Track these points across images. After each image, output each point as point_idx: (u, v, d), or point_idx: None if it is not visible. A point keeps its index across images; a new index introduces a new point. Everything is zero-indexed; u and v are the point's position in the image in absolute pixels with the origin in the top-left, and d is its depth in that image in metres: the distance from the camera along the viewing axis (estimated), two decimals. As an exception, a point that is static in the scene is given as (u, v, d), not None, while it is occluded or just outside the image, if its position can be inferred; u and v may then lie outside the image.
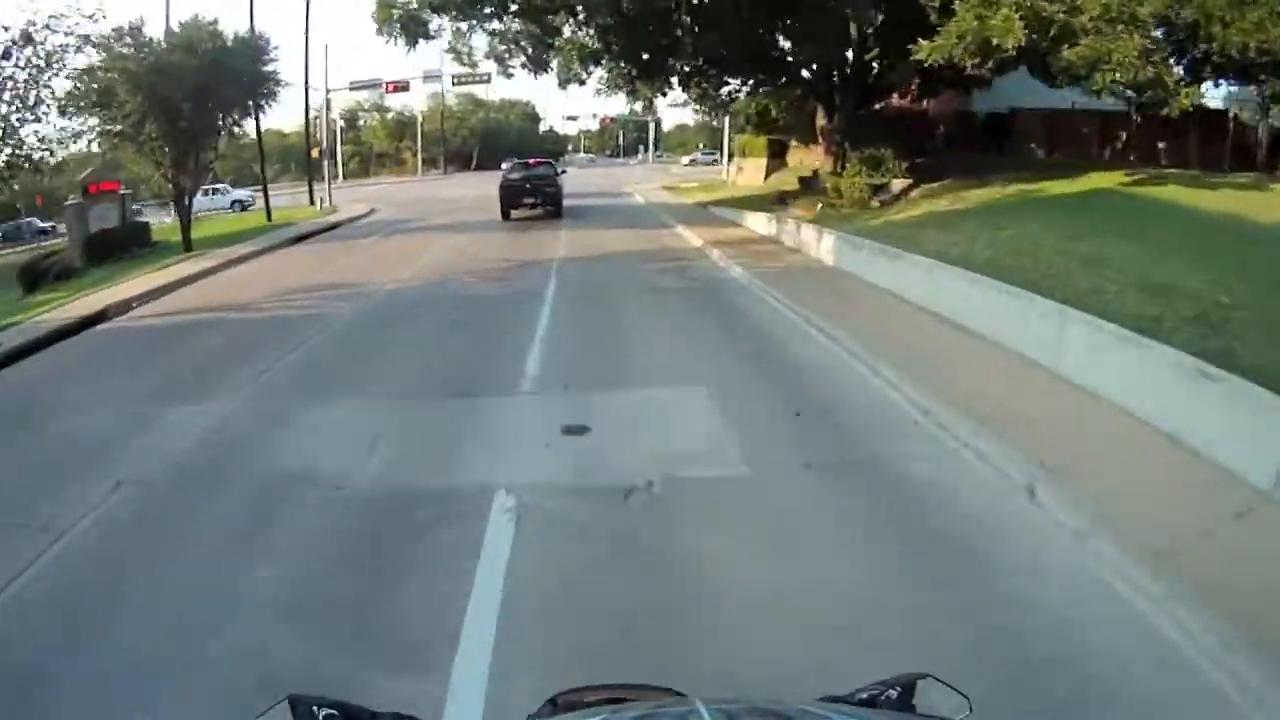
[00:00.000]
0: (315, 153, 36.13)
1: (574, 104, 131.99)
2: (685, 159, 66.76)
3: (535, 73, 22.00)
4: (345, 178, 70.42)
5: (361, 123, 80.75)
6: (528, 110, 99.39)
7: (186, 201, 21.03)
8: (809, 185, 24.34)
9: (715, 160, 67.75)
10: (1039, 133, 25.48)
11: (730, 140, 46.12)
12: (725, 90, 25.61)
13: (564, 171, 28.54)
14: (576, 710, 1.35)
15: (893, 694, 1.33)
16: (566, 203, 28.19)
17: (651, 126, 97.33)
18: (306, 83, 35.20)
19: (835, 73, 20.89)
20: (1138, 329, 6.25)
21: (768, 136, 35.80)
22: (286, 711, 1.25)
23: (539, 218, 24.67)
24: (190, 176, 21.19)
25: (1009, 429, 5.53)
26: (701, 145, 78.51)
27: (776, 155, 35.98)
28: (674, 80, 23.05)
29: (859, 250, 12.20)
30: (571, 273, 13.91)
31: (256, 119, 27.60)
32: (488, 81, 37.40)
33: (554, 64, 20.78)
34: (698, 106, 27.83)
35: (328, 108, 35.85)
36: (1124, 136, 24.38)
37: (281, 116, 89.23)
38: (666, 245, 17.45)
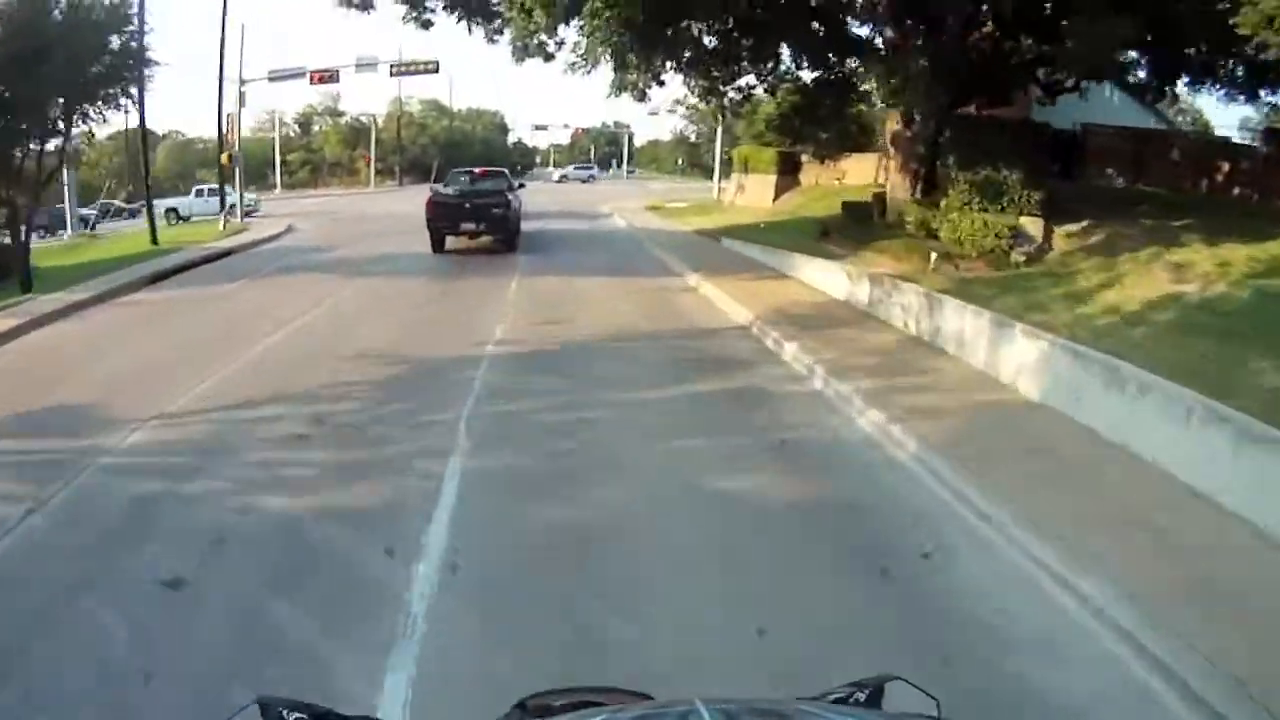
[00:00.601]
0: (225, 158, 28.71)
1: (545, 112, 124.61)
2: (556, 173, 60.43)
3: (476, 24, 15.29)
4: (294, 187, 63.05)
5: (316, 128, 73.08)
6: (495, 120, 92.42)
7: (22, 223, 14.20)
8: (858, 214, 17.66)
9: (592, 176, 61.72)
10: (1121, 156, 19.02)
11: (723, 154, 39.51)
12: (741, 82, 18.81)
13: (520, 186, 22.00)
14: (545, 712, 1.30)
15: (861, 695, 1.28)
16: (528, 225, 21.14)
17: (625, 140, 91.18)
18: (221, 70, 27.88)
19: (932, 47, 14.02)
20: None
21: (778, 150, 29.18)
22: (256, 714, 1.19)
23: (484, 250, 17.71)
24: (21, 186, 14.33)
25: None
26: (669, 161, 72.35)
27: (788, 171, 29.35)
28: (681, 61, 16.17)
29: (1144, 399, 5.34)
30: (510, 404, 6.76)
31: (141, 109, 20.50)
32: (434, 71, 30.38)
33: (508, 18, 13.92)
34: (699, 103, 20.99)
35: (240, 102, 28.44)
36: (1227, 168, 17.80)
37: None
38: (685, 317, 10.65)
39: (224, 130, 29.01)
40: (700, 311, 10.81)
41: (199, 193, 35.22)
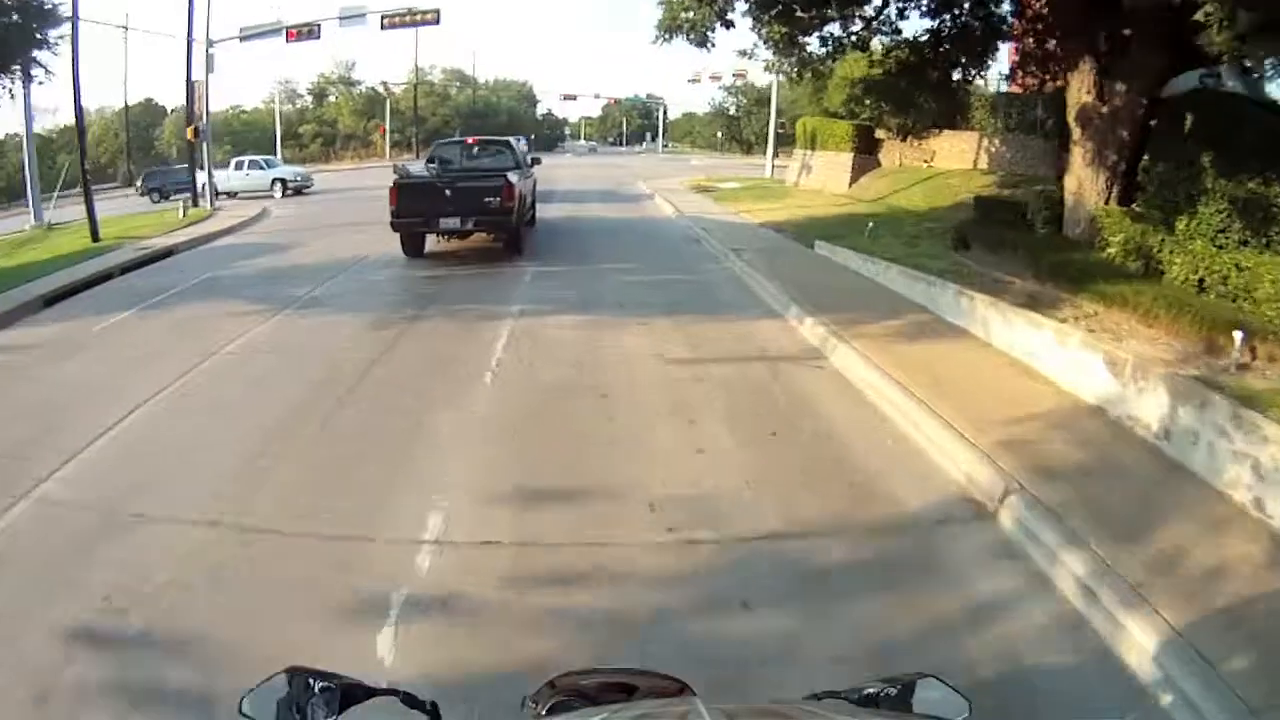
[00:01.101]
0: (191, 132, 24.01)
1: (575, 83, 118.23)
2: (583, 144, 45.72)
3: None
4: (304, 161, 58.53)
5: (332, 98, 68.32)
6: (523, 90, 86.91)
7: None
8: (999, 215, 12.47)
9: (593, 149, 55.00)
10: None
11: (779, 126, 34.08)
12: (827, 31, 13.59)
13: (535, 162, 16.84)
14: (574, 692, 1.30)
15: (892, 691, 1.27)
16: (550, 212, 16.35)
17: (660, 113, 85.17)
18: (190, 30, 23.13)
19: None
20: None
21: (855, 123, 23.85)
22: (284, 683, 1.20)
23: (480, 250, 12.96)
24: None
25: None
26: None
27: (865, 149, 24.01)
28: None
29: None
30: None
31: (76, 81, 16.10)
32: (434, 22, 25.19)
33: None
34: (771, 55, 15.77)
35: (208, 67, 23.61)
36: None
37: (230, 89, 77.12)
38: (846, 469, 5.18)
39: (193, 99, 24.19)
40: (865, 440, 5.38)
41: (240, 165, 29.06)
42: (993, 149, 19.52)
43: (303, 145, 63.39)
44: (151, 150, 70.06)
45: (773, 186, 26.28)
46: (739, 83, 36.52)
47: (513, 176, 12.89)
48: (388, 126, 55.52)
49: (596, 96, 70.06)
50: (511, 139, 17.70)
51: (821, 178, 24.40)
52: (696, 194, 24.30)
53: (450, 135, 64.63)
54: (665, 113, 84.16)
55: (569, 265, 12.79)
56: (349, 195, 25.83)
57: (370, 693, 1.26)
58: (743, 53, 20.72)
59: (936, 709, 1.26)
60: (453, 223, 12.38)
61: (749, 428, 5.55)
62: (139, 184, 32.78)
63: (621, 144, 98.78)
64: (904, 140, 22.89)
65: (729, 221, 17.64)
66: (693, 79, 40.12)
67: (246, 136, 63.91)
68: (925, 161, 22.58)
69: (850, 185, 22.99)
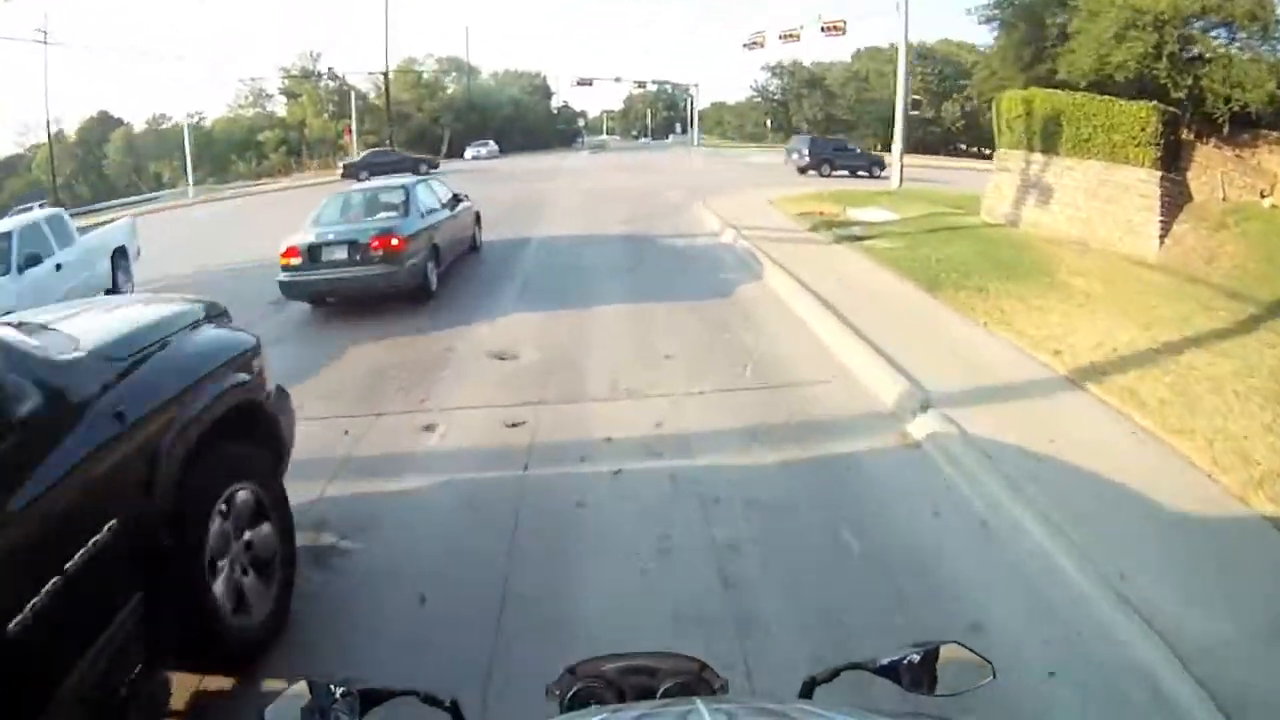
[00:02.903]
0: None
1: (589, 66, 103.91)
2: (793, 155, 28.26)
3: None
4: (258, 177, 46.16)
5: (303, 98, 55.46)
6: (535, 82, 73.34)
7: None
8: None
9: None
10: None
11: (971, 102, 20.49)
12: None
13: (459, 203, 10.16)
14: (595, 678, 1.27)
15: (915, 658, 1.21)
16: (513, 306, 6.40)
17: (688, 102, 71.24)
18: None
19: None
20: None
21: (1154, 105, 10.22)
22: (305, 691, 1.16)
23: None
24: None
25: None
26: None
27: (1173, 164, 10.42)
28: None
29: None
30: None
31: None
32: None
33: None
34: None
35: None
36: None
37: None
38: None
39: None
40: None
41: None
42: None
43: (263, 156, 50.85)
44: (99, 170, 58.17)
45: (975, 229, 12.71)
46: (837, 35, 22.14)
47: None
48: (354, 127, 42.36)
49: (617, 80, 56.31)
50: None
51: (1077, 216, 11.06)
52: (824, 241, 10.83)
53: (439, 133, 52.04)
54: (692, 103, 70.18)
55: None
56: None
57: (390, 694, 1.23)
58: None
59: (959, 675, 1.21)
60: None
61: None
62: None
63: (648, 137, 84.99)
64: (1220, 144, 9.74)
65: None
66: (751, 42, 25.71)
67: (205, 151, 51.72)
68: (1263, 192, 9.20)
69: (1161, 244, 9.56)
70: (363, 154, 35.83)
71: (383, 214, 8.19)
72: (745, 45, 26.18)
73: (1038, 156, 12.45)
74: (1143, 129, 10.50)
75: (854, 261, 9.53)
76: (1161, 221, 10.25)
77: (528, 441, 4.55)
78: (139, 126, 62.03)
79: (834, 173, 25.81)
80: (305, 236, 7.73)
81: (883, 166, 26.83)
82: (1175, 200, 10.41)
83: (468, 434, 4.74)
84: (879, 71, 55.85)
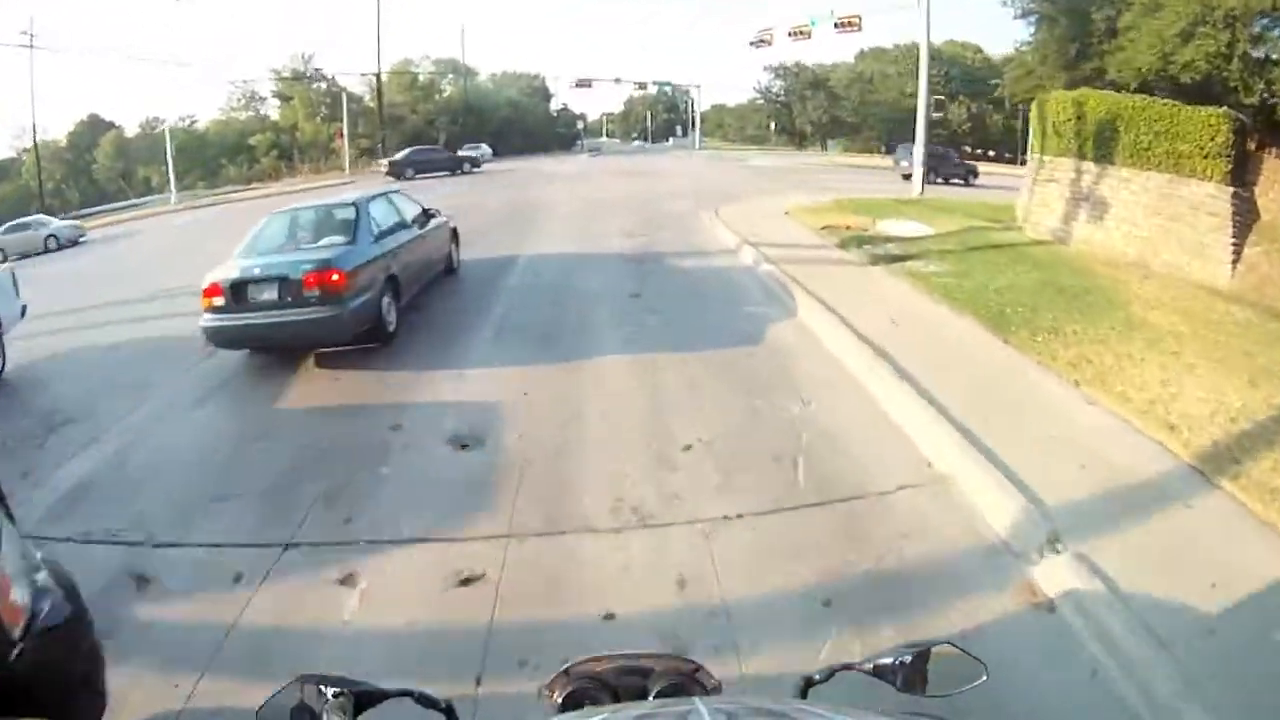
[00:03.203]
0: None
1: (588, 67, 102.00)
2: (902, 163, 26.38)
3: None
4: (249, 182, 44.56)
5: (295, 100, 53.86)
6: (533, 84, 71.74)
7: None
8: None
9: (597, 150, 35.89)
10: None
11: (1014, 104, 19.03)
12: None
13: (430, 219, 8.60)
14: (589, 678, 1.26)
15: (906, 659, 1.21)
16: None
17: (689, 104, 69.65)
18: None
19: None
20: None
21: (1222, 111, 8.80)
22: (298, 691, 1.15)
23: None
24: None
25: None
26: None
27: (1242, 177, 8.84)
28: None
29: None
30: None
31: None
32: None
33: None
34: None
35: None
36: None
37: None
38: None
39: None
40: None
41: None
42: None
43: (254, 160, 49.22)
44: (89, 175, 56.49)
45: (1022, 248, 11.12)
46: (852, 31, 20.55)
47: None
48: (345, 130, 40.71)
49: (617, 81, 54.14)
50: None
51: (1135, 235, 9.58)
52: (888, 276, 9.22)
53: (434, 137, 50.33)
54: (693, 105, 68.35)
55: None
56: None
57: (384, 695, 1.20)
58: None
59: (952, 676, 1.21)
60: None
61: None
62: None
63: (647, 140, 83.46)
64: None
65: None
66: (758, 40, 24.11)
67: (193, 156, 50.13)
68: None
69: (1233, 269, 8.03)
70: (406, 150, 34.55)
71: (327, 240, 6.56)
72: (752, 43, 24.62)
73: (1089, 165, 10.86)
74: (1212, 138, 8.94)
75: (899, 290, 7.96)
76: (1234, 244, 8.71)
77: (486, 618, 2.97)
78: (132, 130, 60.54)
79: (935, 180, 24.35)
80: (229, 271, 6.12)
81: (976, 175, 26.61)
82: (1245, 219, 8.87)
83: (399, 597, 3.16)
84: (883, 73, 54.25)
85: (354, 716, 1.16)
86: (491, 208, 17.04)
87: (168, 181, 43.53)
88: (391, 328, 6.67)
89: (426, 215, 8.34)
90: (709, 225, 13.04)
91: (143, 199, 44.93)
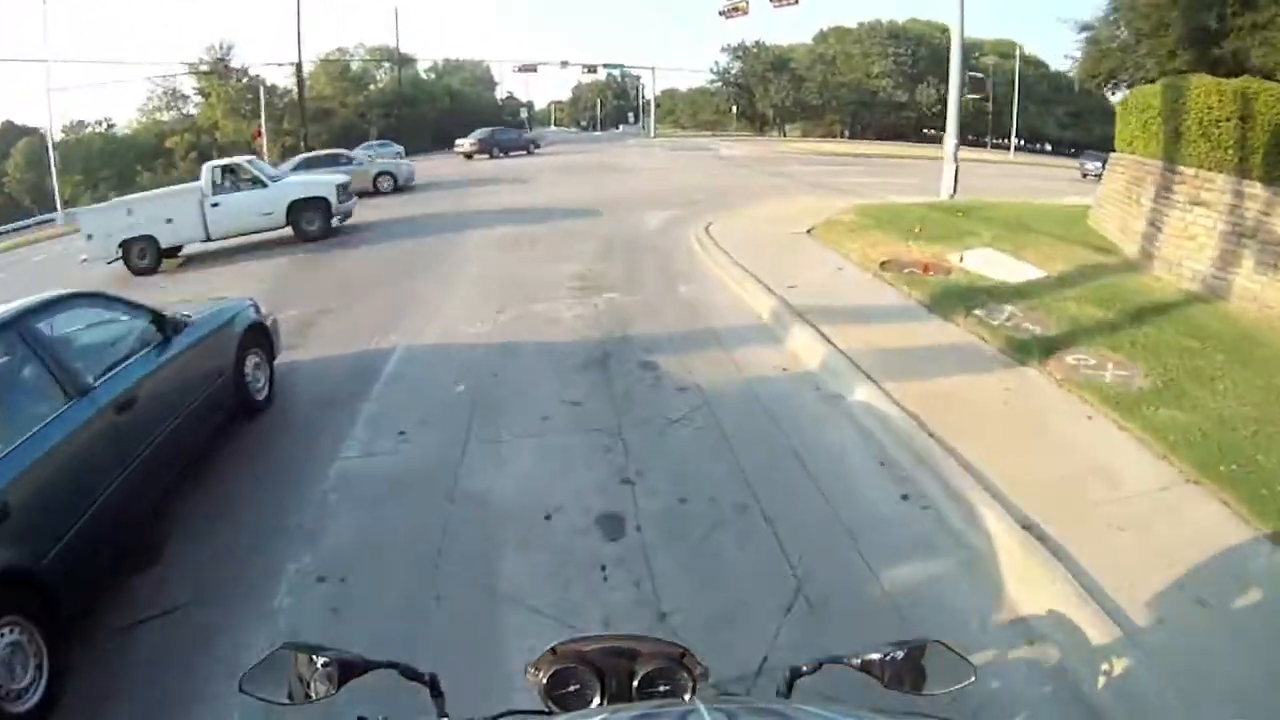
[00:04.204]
0: None
1: (534, 53, 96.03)
2: (1090, 167, 22.11)
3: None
4: (142, 185, 39.02)
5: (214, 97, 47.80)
6: (477, 72, 66.29)
7: None
8: None
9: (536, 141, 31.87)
10: None
11: (955, 97, 15.12)
12: None
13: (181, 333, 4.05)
14: (575, 658, 1.21)
15: (897, 655, 1.18)
16: None
17: (644, 89, 64.99)
18: None
19: None
20: None
21: None
22: (283, 660, 1.14)
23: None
24: None
25: None
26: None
27: None
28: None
29: None
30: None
31: None
32: None
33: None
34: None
35: None
36: None
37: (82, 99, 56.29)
38: None
39: None
40: None
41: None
42: None
43: (172, 165, 43.31)
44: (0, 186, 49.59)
45: (1182, 309, 7.03)
46: (787, 4, 16.47)
47: None
48: (264, 128, 35.29)
49: (564, 65, 48.90)
50: None
51: None
52: (1058, 392, 5.16)
53: (365, 130, 44.85)
54: (643, 89, 63.56)
55: None
56: None
57: (369, 665, 1.18)
58: None
59: (940, 675, 1.17)
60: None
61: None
62: None
63: (597, 128, 78.73)
64: None
65: None
66: (730, 8, 19.65)
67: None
68: None
69: None
70: (488, 131, 33.60)
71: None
72: (722, 13, 20.28)
73: (1256, 188, 6.81)
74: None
75: (1108, 443, 3.85)
76: None
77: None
78: (58, 135, 53.65)
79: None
80: None
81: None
82: None
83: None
84: (846, 53, 50.33)
85: (339, 686, 1.14)
86: (371, 250, 11.42)
87: (83, 193, 37.79)
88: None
89: (175, 326, 3.96)
90: (708, 264, 8.72)
91: (49, 215, 38.13)
